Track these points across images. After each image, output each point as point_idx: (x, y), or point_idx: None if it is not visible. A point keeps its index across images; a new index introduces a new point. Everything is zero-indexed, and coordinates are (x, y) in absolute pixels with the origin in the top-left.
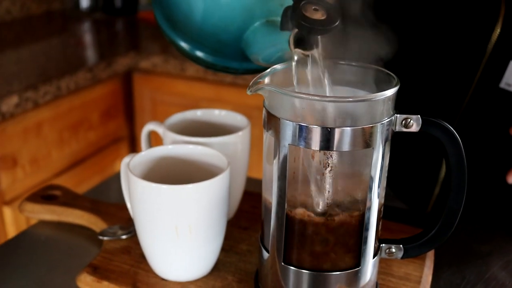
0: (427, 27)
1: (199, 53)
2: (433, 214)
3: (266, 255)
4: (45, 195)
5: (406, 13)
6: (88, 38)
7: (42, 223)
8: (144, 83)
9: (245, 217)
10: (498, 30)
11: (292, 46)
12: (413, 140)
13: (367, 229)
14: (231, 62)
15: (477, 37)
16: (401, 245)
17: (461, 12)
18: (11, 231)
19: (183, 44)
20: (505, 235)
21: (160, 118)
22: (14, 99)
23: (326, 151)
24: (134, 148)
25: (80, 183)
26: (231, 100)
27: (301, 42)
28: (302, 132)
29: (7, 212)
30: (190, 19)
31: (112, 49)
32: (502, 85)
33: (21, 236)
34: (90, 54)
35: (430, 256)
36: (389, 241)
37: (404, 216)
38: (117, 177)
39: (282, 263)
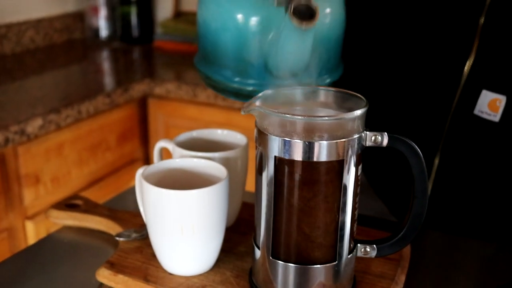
0: (406, 56)
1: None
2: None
3: (257, 252)
4: (68, 204)
5: (384, 43)
6: (106, 65)
7: (66, 228)
8: (158, 108)
9: (243, 224)
10: (471, 61)
11: (290, 14)
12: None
13: (342, 229)
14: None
15: (451, 67)
16: (374, 245)
17: (435, 43)
18: None
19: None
20: (474, 242)
21: None
22: (38, 121)
23: (306, 161)
24: None
25: (97, 200)
26: (240, 125)
27: (299, 12)
28: (286, 146)
29: (29, 226)
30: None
31: (129, 76)
32: (476, 112)
33: (48, 239)
34: (109, 80)
35: (405, 258)
36: (364, 242)
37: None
38: (131, 190)
39: (271, 257)
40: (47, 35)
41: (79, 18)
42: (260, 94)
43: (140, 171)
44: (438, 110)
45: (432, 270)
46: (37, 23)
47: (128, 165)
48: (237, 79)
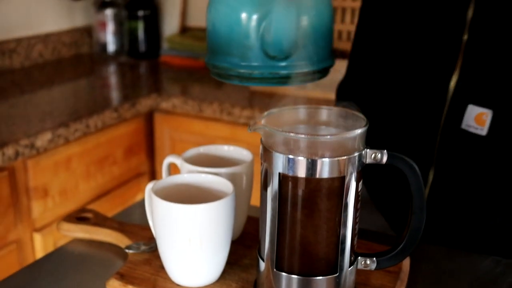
0: (395, 73)
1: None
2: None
3: (262, 264)
4: (79, 217)
5: (375, 61)
6: (114, 79)
7: (76, 241)
8: (165, 122)
9: (248, 238)
10: (456, 77)
11: None
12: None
13: (343, 243)
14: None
15: (437, 83)
16: (374, 258)
17: (421, 60)
18: (40, 256)
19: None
20: (471, 256)
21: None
22: (47, 135)
23: (309, 177)
24: None
25: (104, 213)
26: (244, 139)
27: None
28: (290, 163)
29: (37, 238)
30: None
31: (135, 90)
32: (464, 126)
33: (59, 251)
34: (116, 95)
35: (404, 271)
36: (365, 255)
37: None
38: (138, 204)
39: (275, 269)
40: (55, 49)
41: (87, 32)
42: (265, 113)
43: (149, 186)
44: (428, 125)
45: (431, 283)
46: (46, 38)
47: (134, 178)
48: (241, 63)
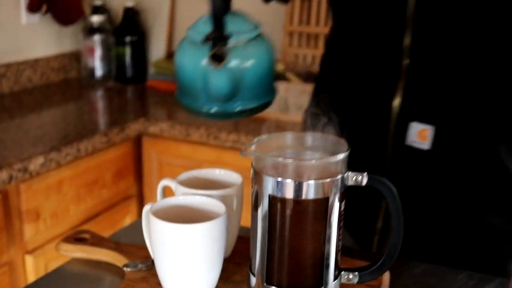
0: (347, 97)
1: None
2: (378, 251)
3: (253, 279)
4: (77, 237)
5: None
6: (101, 104)
7: (75, 260)
8: (152, 146)
9: (239, 255)
10: (399, 99)
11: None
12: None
13: (327, 258)
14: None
15: (382, 104)
16: (356, 273)
17: (367, 83)
18: (31, 278)
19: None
20: (447, 271)
21: None
22: (40, 159)
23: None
24: (142, 205)
25: None
26: (230, 163)
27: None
28: (279, 185)
29: (29, 260)
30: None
31: (124, 115)
32: (408, 142)
33: (58, 270)
34: (105, 119)
35: (385, 285)
36: (348, 270)
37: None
38: (132, 225)
39: (265, 284)
40: (44, 74)
41: (75, 58)
42: (255, 139)
43: (147, 207)
44: (379, 142)
45: None
46: (35, 63)
47: (123, 201)
48: (196, 103)
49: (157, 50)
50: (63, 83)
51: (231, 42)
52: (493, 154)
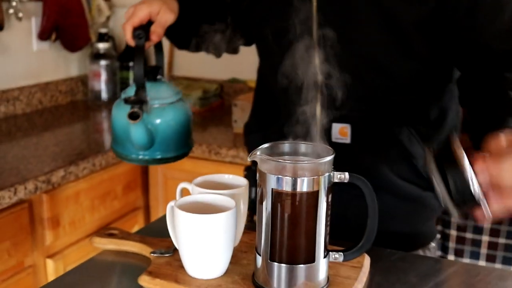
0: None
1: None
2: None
3: (259, 258)
4: (107, 232)
5: None
6: (108, 124)
7: (106, 251)
8: None
9: (245, 245)
10: (319, 107)
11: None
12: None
13: (318, 237)
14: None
15: (307, 112)
16: (341, 253)
17: (291, 97)
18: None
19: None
20: (418, 257)
21: (170, 191)
22: (61, 172)
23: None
24: (148, 216)
25: None
26: None
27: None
28: (280, 181)
29: (50, 263)
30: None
31: None
32: (334, 139)
33: (93, 259)
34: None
35: (365, 266)
36: (334, 250)
37: None
38: (152, 224)
39: (269, 260)
40: (53, 96)
41: (82, 81)
42: (259, 147)
43: (171, 204)
44: (312, 141)
45: (386, 274)
46: (45, 86)
47: (131, 212)
48: (129, 152)
49: None
50: (70, 105)
51: (155, 104)
52: (396, 140)
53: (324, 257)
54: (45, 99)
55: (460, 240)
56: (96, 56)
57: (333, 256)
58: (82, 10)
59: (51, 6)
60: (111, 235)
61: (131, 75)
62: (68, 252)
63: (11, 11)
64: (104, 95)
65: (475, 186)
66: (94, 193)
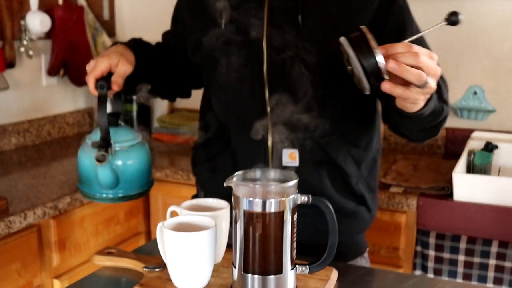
0: None
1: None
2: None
3: (235, 270)
4: (106, 251)
5: None
6: None
7: (105, 268)
8: (158, 189)
9: (227, 261)
10: (271, 137)
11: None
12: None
13: (285, 253)
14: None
15: (259, 141)
16: (307, 265)
17: (243, 126)
18: None
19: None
20: (381, 271)
21: None
22: (67, 199)
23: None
24: (149, 240)
25: None
26: None
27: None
28: (251, 203)
29: (56, 284)
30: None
31: None
32: (284, 163)
33: (93, 275)
34: None
35: (332, 278)
36: (301, 264)
37: None
38: (141, 248)
39: (242, 272)
40: (61, 128)
41: (88, 114)
42: (235, 174)
43: (160, 224)
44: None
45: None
46: (53, 119)
47: (133, 236)
48: (94, 192)
49: (160, 106)
50: (77, 136)
51: (117, 147)
52: (335, 162)
53: (292, 269)
54: (54, 131)
55: (438, 260)
56: None
57: (300, 269)
58: (88, 47)
59: (59, 44)
60: (110, 253)
61: (134, 107)
62: (74, 273)
63: (22, 49)
64: None
65: (381, 63)
66: (98, 218)
